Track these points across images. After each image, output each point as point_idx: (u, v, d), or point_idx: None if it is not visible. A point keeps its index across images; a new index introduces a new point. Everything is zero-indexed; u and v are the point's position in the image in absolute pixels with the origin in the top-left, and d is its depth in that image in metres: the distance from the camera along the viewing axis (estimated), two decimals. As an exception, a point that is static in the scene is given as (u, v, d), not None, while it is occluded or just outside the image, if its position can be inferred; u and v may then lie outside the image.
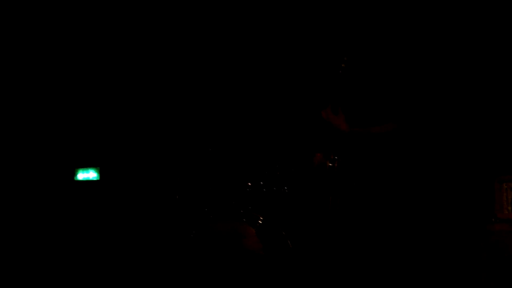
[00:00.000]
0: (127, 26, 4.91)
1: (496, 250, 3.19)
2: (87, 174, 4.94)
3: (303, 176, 3.76)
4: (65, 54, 4.99)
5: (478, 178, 3.66)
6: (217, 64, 4.72)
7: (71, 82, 5.05)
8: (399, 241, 3.18)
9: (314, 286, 3.25)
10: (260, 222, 3.59)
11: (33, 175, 5.01)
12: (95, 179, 4.92)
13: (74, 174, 4.98)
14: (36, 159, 5.04)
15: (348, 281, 3.10)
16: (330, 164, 3.01)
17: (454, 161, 3.72)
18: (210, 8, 4.67)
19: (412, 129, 3.07)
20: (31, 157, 5.03)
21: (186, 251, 3.60)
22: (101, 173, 4.92)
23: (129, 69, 4.96)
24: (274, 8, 4.47)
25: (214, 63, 4.73)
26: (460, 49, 3.72)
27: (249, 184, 3.81)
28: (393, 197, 3.12)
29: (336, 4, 3.72)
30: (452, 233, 3.62)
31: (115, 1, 4.82)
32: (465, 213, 3.63)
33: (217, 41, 4.70)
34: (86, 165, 4.97)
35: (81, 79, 5.05)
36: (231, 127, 4.58)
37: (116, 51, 4.96)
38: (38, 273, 4.55)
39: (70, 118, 5.08)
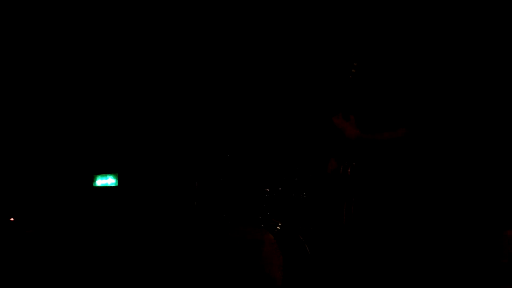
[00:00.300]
0: (143, 34, 4.95)
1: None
2: (106, 180, 4.98)
3: (320, 182, 3.76)
4: (86, 64, 5.03)
5: (495, 183, 3.64)
6: (235, 74, 4.74)
7: (90, 91, 5.09)
8: (413, 246, 3.18)
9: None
10: (279, 228, 3.60)
11: (53, 182, 5.06)
12: (113, 185, 4.96)
13: (92, 180, 5.02)
14: (55, 165, 5.09)
15: (363, 285, 3.10)
16: (343, 170, 3.02)
17: (470, 165, 3.70)
18: (220, 17, 4.70)
19: (424, 134, 3.07)
20: (51, 164, 5.08)
21: (204, 256, 3.62)
22: (119, 179, 4.95)
23: (149, 77, 4.99)
24: (286, 16, 4.49)
25: (232, 73, 4.76)
26: (473, 53, 3.71)
27: (268, 190, 3.83)
28: (407, 201, 3.12)
29: (347, 10, 3.72)
30: (468, 238, 3.61)
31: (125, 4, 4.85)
32: (482, 219, 3.62)
33: (235, 51, 4.72)
34: (104, 171, 5.01)
35: (101, 87, 5.09)
36: (249, 133, 4.60)
37: (137, 60, 4.99)
38: (58, 276, 4.59)
39: (89, 125, 5.12)
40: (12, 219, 4.82)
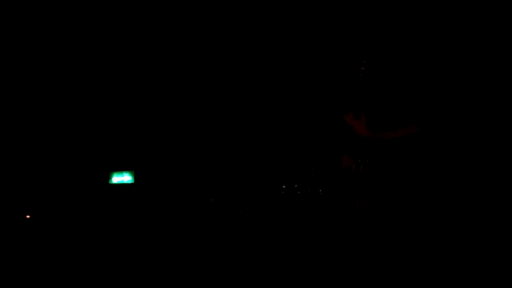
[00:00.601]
0: (161, 33, 4.96)
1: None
2: (122, 178, 4.99)
3: (334, 179, 3.75)
4: (103, 64, 5.06)
5: (506, 179, 3.60)
6: (252, 74, 4.75)
7: (108, 90, 5.11)
8: (426, 244, 3.16)
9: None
10: (294, 224, 3.60)
11: (69, 179, 5.08)
12: (129, 182, 4.97)
13: (109, 177, 5.04)
14: (72, 163, 5.11)
15: (375, 282, 3.09)
16: (356, 168, 3.01)
17: (481, 163, 3.67)
18: (229, 18, 4.72)
19: (435, 132, 3.05)
20: (67, 161, 5.11)
21: (220, 253, 3.62)
22: (135, 177, 4.96)
23: (165, 77, 5.00)
24: (296, 17, 4.49)
25: (249, 73, 4.77)
26: (482, 51, 3.68)
27: (284, 187, 3.82)
28: (418, 199, 3.10)
29: (356, 9, 3.71)
30: (484, 235, 3.57)
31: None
32: (499, 216, 3.58)
33: (251, 51, 4.73)
34: (121, 169, 5.02)
35: (118, 86, 5.11)
36: (265, 131, 4.59)
37: (151, 60, 5.01)
38: (75, 273, 4.60)
39: (106, 123, 5.14)
40: (28, 216, 4.86)
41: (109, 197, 5.01)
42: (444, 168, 3.43)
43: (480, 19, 3.73)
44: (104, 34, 4.92)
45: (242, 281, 3.53)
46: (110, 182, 5.03)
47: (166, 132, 5.01)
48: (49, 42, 4.92)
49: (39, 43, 4.89)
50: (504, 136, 3.71)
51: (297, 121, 4.56)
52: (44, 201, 4.95)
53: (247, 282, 3.51)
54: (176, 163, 4.95)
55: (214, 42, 4.83)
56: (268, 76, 4.72)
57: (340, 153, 3.38)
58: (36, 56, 4.94)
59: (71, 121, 5.11)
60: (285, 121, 4.60)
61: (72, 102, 5.12)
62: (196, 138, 4.86)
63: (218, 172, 4.37)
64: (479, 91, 3.74)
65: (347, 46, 3.97)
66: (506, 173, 3.66)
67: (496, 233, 3.56)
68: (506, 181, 3.65)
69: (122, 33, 4.93)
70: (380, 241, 3.12)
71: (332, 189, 3.75)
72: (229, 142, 4.58)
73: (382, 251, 3.12)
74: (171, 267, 4.50)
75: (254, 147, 4.40)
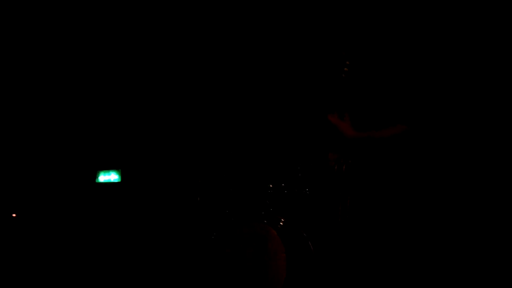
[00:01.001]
0: (143, 31, 4.95)
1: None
2: (108, 176, 4.97)
3: (318, 180, 3.77)
4: (88, 59, 5.04)
5: (492, 180, 3.63)
6: (236, 72, 4.76)
7: (92, 86, 5.09)
8: (410, 243, 3.19)
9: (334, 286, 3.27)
10: (282, 224, 3.60)
11: (55, 178, 5.06)
12: (116, 181, 4.95)
13: (95, 176, 5.02)
14: (58, 161, 5.09)
15: (361, 282, 3.11)
16: (339, 168, 3.04)
17: (466, 162, 3.69)
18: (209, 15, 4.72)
19: (420, 131, 3.07)
20: (53, 159, 5.08)
21: (207, 253, 3.62)
22: (122, 175, 4.95)
23: (151, 74, 4.99)
24: (278, 14, 4.50)
25: (232, 71, 4.77)
26: (466, 50, 3.70)
27: (271, 186, 3.83)
28: (403, 199, 3.12)
29: (339, 7, 3.72)
30: (471, 235, 3.60)
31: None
32: (487, 215, 3.61)
33: (235, 51, 4.74)
34: (107, 167, 5.01)
35: (103, 83, 5.09)
36: (253, 129, 4.60)
37: (137, 55, 5.00)
38: (58, 274, 4.59)
39: (92, 120, 5.12)
40: (14, 215, 4.83)
41: (96, 196, 4.99)
42: (430, 167, 3.45)
43: (460, 18, 3.75)
44: (89, 33, 4.91)
45: (227, 280, 3.54)
46: (96, 181, 5.01)
47: (153, 131, 5.00)
48: (34, 41, 4.89)
49: (24, 41, 4.86)
50: (490, 136, 3.73)
51: (281, 122, 4.57)
52: (29, 200, 4.92)
53: (231, 281, 3.52)
54: (163, 162, 4.94)
55: (200, 43, 4.84)
56: (252, 76, 4.73)
57: (325, 153, 3.39)
58: (20, 54, 4.91)
59: (56, 119, 5.08)
60: (270, 122, 4.61)
61: (57, 100, 5.09)
62: (183, 137, 4.85)
63: (205, 171, 4.37)
64: (464, 90, 3.76)
65: (331, 46, 3.98)
66: (491, 173, 3.69)
67: (479, 232, 3.59)
68: (491, 180, 3.68)
69: (107, 33, 4.92)
70: (363, 240, 3.13)
71: (318, 189, 3.76)
72: (216, 141, 4.58)
73: (366, 251, 3.14)
74: (158, 265, 4.50)
75: (242, 146, 4.40)
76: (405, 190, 3.14)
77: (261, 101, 4.69)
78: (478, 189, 3.65)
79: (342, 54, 3.12)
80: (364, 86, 3.21)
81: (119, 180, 4.96)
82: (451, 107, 3.69)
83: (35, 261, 4.66)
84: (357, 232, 3.12)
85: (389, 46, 3.34)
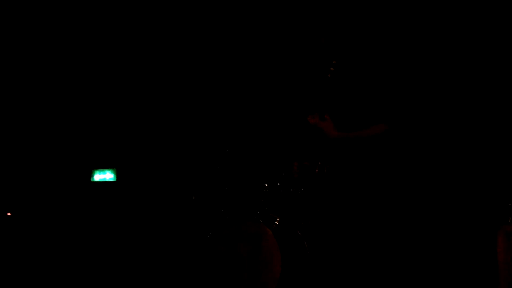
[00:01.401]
0: (140, 30, 4.96)
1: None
2: (104, 175, 4.98)
3: (301, 180, 3.77)
4: (83, 58, 5.04)
5: (473, 178, 3.64)
6: (232, 71, 4.77)
7: (89, 85, 5.10)
8: (406, 244, 3.20)
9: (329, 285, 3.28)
10: (277, 223, 3.61)
11: (50, 177, 5.06)
12: (111, 180, 4.96)
13: (90, 175, 5.02)
14: (53, 160, 5.09)
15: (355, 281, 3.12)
16: (319, 169, 3.06)
17: (448, 162, 3.70)
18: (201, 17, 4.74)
19: (406, 129, 3.08)
20: (48, 158, 5.08)
21: (202, 252, 3.63)
22: (117, 174, 4.95)
23: (147, 73, 5.00)
24: (263, 14, 4.51)
25: (229, 70, 4.78)
26: (453, 47, 3.71)
27: (266, 185, 3.84)
28: (394, 198, 3.13)
29: (324, 9, 3.73)
30: (463, 234, 3.62)
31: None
32: (478, 214, 3.62)
33: (236, 51, 4.75)
34: (102, 166, 5.01)
35: (100, 83, 5.09)
36: (248, 129, 4.61)
37: (135, 54, 5.00)
38: (54, 273, 4.59)
39: (87, 119, 5.12)
40: (9, 214, 4.83)
41: (91, 195, 4.99)
42: (410, 166, 3.47)
43: (446, 18, 3.76)
44: (90, 33, 4.91)
45: (222, 278, 3.55)
46: (92, 180, 5.02)
47: (149, 130, 5.01)
48: (34, 40, 4.90)
49: (24, 41, 4.87)
50: (472, 135, 3.75)
51: (264, 122, 4.59)
52: (24, 199, 4.92)
53: (226, 279, 3.53)
54: (159, 161, 4.95)
55: (190, 43, 4.85)
56: (245, 76, 4.74)
57: (307, 154, 3.40)
58: (18, 54, 4.91)
59: (51, 118, 5.08)
60: (268, 120, 4.62)
61: (52, 99, 5.09)
62: (178, 137, 4.86)
63: (200, 170, 4.38)
64: (445, 89, 3.77)
65: (313, 47, 3.99)
66: (472, 172, 3.71)
67: (460, 232, 3.61)
68: (472, 180, 3.70)
69: (107, 33, 4.92)
70: (346, 239, 3.15)
71: (312, 189, 3.77)
72: (212, 140, 4.58)
73: (360, 250, 3.15)
74: (153, 264, 4.50)
75: (237, 145, 4.41)
76: (390, 187, 3.15)
77: (261, 101, 4.70)
78: (461, 186, 3.67)
79: (321, 42, 3.12)
80: (346, 86, 3.22)
81: (115, 179, 4.96)
82: (432, 106, 3.70)
83: (31, 260, 4.66)
84: (348, 231, 3.13)
85: (370, 46, 3.36)
